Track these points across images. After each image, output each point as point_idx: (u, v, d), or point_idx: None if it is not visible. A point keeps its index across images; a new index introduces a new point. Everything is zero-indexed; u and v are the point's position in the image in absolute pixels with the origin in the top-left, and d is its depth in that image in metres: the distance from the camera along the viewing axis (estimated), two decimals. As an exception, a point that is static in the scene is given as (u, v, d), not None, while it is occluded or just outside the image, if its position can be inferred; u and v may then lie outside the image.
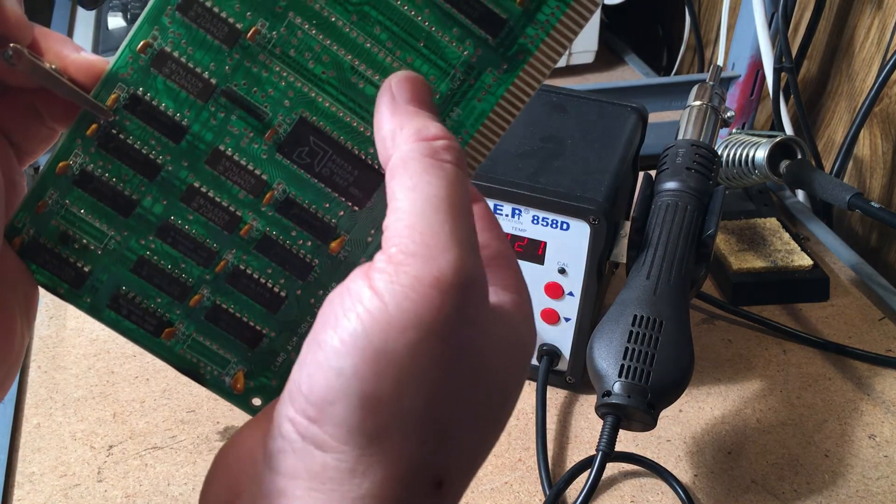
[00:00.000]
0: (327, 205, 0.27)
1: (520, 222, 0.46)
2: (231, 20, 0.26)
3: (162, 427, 0.47)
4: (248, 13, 0.26)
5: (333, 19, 0.26)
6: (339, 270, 0.28)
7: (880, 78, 0.64)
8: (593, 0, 0.26)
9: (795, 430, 0.49)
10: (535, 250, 0.47)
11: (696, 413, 0.50)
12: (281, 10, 0.26)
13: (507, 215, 0.46)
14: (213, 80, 0.26)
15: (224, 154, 0.27)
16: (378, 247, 0.27)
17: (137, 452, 0.46)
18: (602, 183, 0.45)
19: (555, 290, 0.48)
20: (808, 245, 0.64)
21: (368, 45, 0.26)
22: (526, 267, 0.48)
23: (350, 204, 0.27)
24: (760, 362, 0.54)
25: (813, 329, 0.57)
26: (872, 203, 0.55)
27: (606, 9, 0.98)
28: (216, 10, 0.26)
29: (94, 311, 0.28)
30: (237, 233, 0.27)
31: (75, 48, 0.26)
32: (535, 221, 0.46)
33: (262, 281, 0.28)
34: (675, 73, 1.02)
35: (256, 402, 0.29)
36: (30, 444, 0.46)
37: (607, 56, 0.99)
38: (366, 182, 0.27)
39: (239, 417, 0.48)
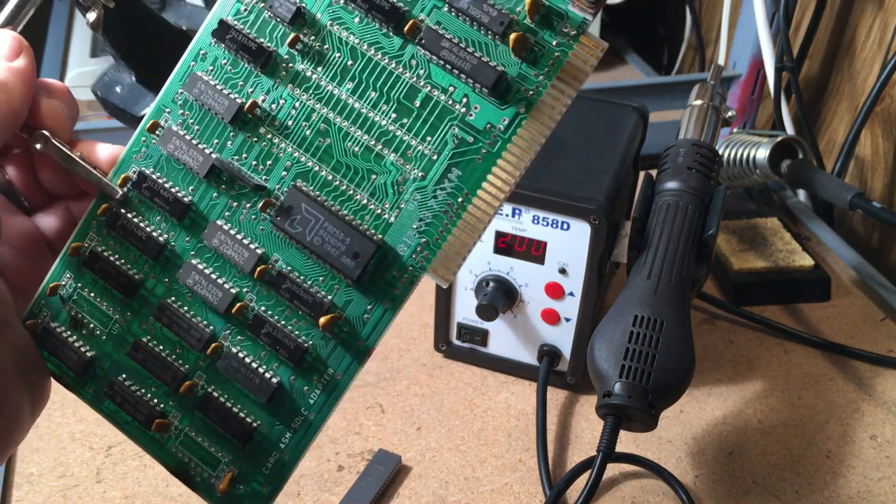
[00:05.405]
0: (322, 278, 0.27)
1: (520, 222, 0.46)
2: (233, 96, 0.27)
3: (161, 427, 0.47)
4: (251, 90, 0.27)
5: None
6: (335, 353, 0.27)
7: (882, 77, 0.63)
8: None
9: (797, 430, 0.49)
10: (535, 250, 0.47)
11: (696, 414, 0.50)
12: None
13: (507, 215, 0.46)
14: (214, 155, 0.27)
15: (221, 228, 0.27)
16: (377, 326, 0.27)
17: (136, 453, 0.46)
18: (603, 183, 0.45)
19: (555, 291, 0.47)
20: (809, 245, 0.64)
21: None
22: (526, 267, 0.47)
23: (343, 276, 0.26)
24: (761, 363, 0.54)
25: (814, 329, 0.57)
26: (874, 203, 0.55)
27: (607, 8, 0.98)
28: (219, 87, 0.27)
29: (94, 402, 0.28)
30: (230, 311, 0.27)
31: (114, 149, 0.29)
32: (536, 221, 0.46)
33: (254, 366, 0.27)
34: (676, 73, 1.02)
35: None
36: (28, 445, 0.46)
37: (608, 55, 0.99)
38: (357, 250, 0.26)
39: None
